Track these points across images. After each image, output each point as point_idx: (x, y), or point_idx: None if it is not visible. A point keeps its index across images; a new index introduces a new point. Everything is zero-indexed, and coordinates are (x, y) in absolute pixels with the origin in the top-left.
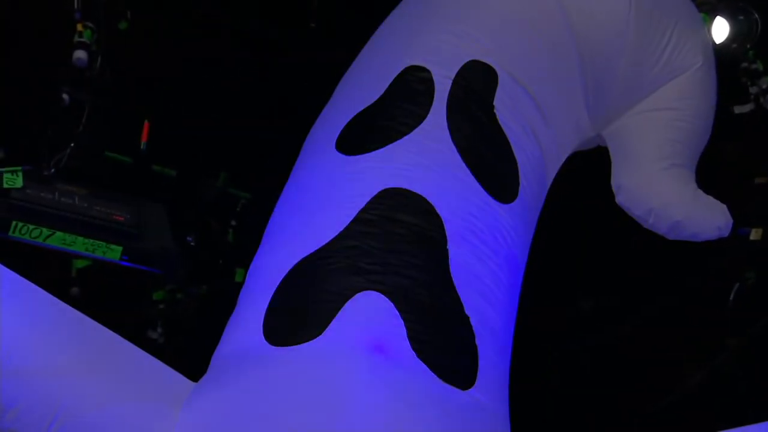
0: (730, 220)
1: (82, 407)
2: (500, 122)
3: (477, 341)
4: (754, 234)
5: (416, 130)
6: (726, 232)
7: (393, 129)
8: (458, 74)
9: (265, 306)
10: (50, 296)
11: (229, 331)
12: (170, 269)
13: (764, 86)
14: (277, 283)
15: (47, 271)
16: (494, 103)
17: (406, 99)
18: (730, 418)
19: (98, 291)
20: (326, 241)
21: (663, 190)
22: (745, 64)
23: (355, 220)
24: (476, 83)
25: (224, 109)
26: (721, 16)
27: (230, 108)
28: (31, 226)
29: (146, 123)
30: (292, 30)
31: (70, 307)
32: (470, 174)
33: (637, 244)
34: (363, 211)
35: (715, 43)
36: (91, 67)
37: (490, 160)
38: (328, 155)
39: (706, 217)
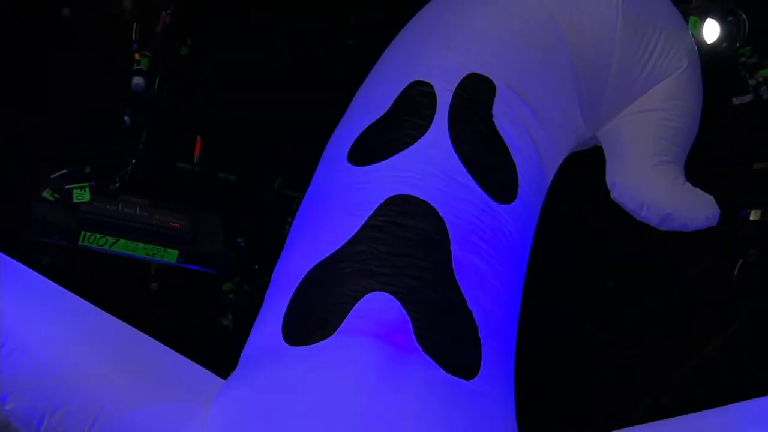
0: (718, 210)
1: (119, 408)
2: (499, 129)
3: (480, 334)
4: (754, 215)
5: (420, 140)
6: (714, 222)
7: (399, 140)
8: (458, 87)
9: (284, 308)
10: (87, 304)
11: (254, 331)
12: (221, 268)
13: (760, 78)
14: (296, 287)
15: (129, 270)
16: (493, 112)
17: (411, 112)
18: (746, 382)
19: (175, 285)
20: (339, 247)
21: (654, 185)
22: (743, 59)
23: (365, 227)
24: (475, 94)
25: (275, 122)
26: (711, 18)
27: (280, 120)
28: (98, 235)
29: (198, 139)
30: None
31: (106, 313)
32: (471, 178)
33: (642, 232)
34: (372, 217)
35: (707, 43)
36: (148, 91)
37: (489, 165)
38: (341, 167)
39: (694, 209)
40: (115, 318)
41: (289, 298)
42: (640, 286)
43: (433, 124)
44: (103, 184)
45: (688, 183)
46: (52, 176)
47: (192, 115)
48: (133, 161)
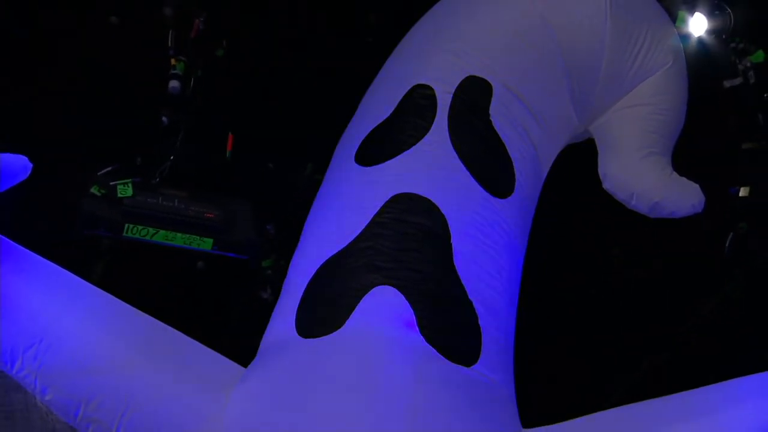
0: (703, 198)
1: (147, 397)
2: (495, 128)
3: (480, 322)
4: (743, 191)
5: (422, 141)
6: (700, 209)
7: (402, 141)
8: (457, 89)
9: (298, 302)
10: (113, 298)
11: (271, 322)
12: (252, 254)
13: (748, 63)
14: (307, 281)
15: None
16: (490, 111)
17: (413, 114)
18: (741, 341)
19: (220, 263)
20: (347, 243)
21: (642, 176)
22: (733, 44)
23: (371, 224)
24: (473, 96)
25: (303, 113)
26: (699, 12)
27: (308, 111)
28: (140, 227)
29: (230, 135)
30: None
31: (132, 307)
32: (469, 175)
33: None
34: (377, 215)
35: (694, 36)
36: (184, 93)
37: (487, 162)
38: (349, 167)
39: (681, 197)
40: (140, 311)
41: (302, 292)
42: (636, 257)
43: (433, 125)
44: (145, 180)
45: (675, 173)
46: (99, 173)
47: (225, 113)
48: (171, 158)
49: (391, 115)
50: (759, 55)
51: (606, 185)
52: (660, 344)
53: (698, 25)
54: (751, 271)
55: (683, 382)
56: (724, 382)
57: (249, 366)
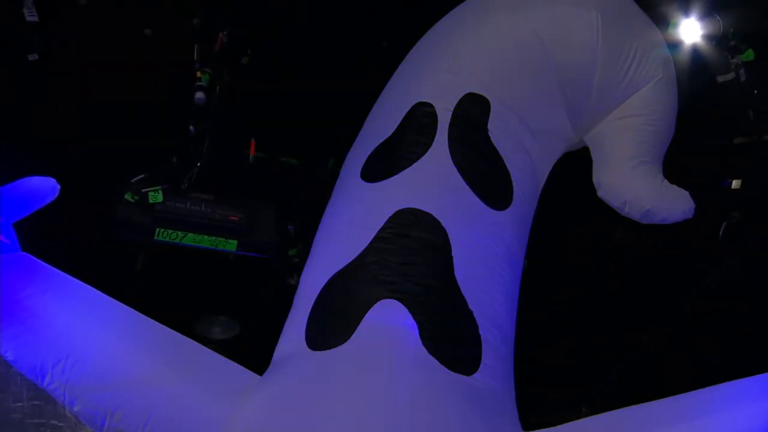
0: (693, 205)
1: (166, 407)
2: (494, 142)
3: (480, 331)
4: (735, 184)
5: (423, 157)
6: (690, 215)
7: (404, 158)
8: (457, 106)
9: (307, 315)
10: (134, 312)
11: (284, 333)
12: (273, 254)
13: (739, 61)
14: (316, 295)
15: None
16: (488, 127)
17: (415, 131)
18: (741, 310)
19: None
20: (353, 258)
21: (634, 185)
22: (726, 41)
23: (376, 239)
24: (472, 112)
25: (323, 112)
26: (690, 19)
27: (328, 110)
28: (170, 231)
29: (253, 141)
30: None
31: (151, 320)
32: (469, 189)
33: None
34: (382, 230)
35: (686, 42)
36: (209, 104)
37: (486, 176)
38: (355, 183)
39: (671, 204)
40: (160, 323)
41: (311, 306)
42: (633, 257)
43: (434, 141)
44: (174, 185)
45: (665, 180)
46: (132, 180)
47: (248, 118)
48: (198, 164)
49: (394, 132)
50: (749, 54)
51: (600, 193)
52: (658, 345)
53: (691, 30)
54: (745, 253)
55: (683, 381)
56: (720, 385)
57: (263, 375)
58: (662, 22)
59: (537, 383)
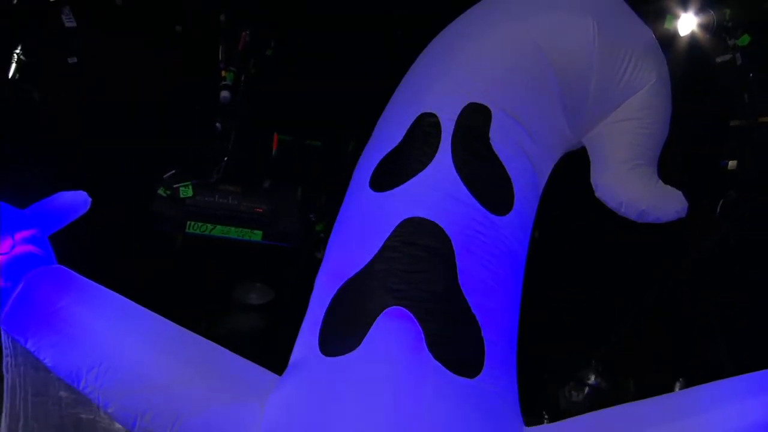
0: (686, 204)
1: (192, 409)
2: (495, 150)
3: (483, 334)
4: (731, 165)
5: (428, 167)
6: (683, 214)
7: (410, 168)
8: (459, 116)
9: (321, 321)
10: (160, 318)
11: (300, 335)
12: (296, 243)
13: (736, 44)
14: (329, 301)
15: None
16: (489, 135)
17: (420, 141)
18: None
19: None
20: (363, 266)
21: (630, 186)
22: (723, 23)
23: (384, 248)
24: (474, 121)
25: (344, 98)
26: (685, 14)
27: (348, 96)
28: (200, 223)
29: (276, 135)
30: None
31: (176, 325)
32: (471, 197)
33: None
34: (389, 239)
35: (681, 36)
36: (234, 101)
37: (487, 182)
38: (364, 192)
39: (665, 204)
40: (184, 328)
41: (324, 312)
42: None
43: (438, 151)
44: (203, 180)
45: (660, 181)
46: (165, 176)
47: (272, 109)
48: (225, 158)
49: (400, 142)
50: (744, 39)
51: (597, 194)
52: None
53: (685, 25)
54: (740, 228)
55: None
56: (710, 383)
57: (282, 376)
58: (660, 15)
59: (536, 383)
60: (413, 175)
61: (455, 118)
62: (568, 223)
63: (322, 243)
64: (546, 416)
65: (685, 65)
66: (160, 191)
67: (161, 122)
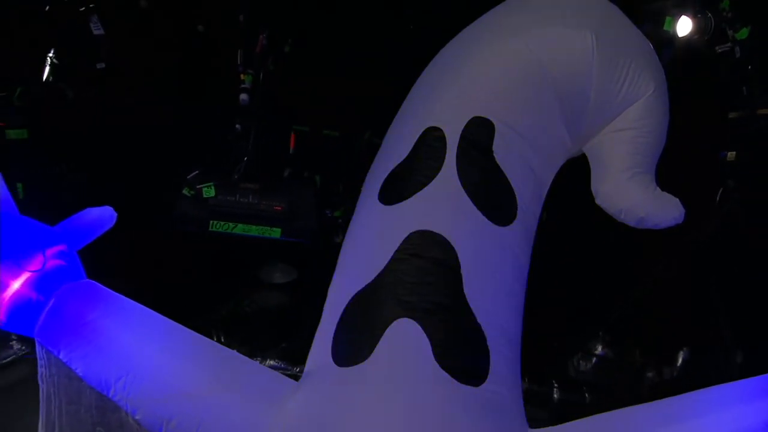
0: (683, 211)
1: (215, 416)
2: (498, 162)
3: (488, 343)
4: (730, 156)
5: (434, 180)
6: (680, 220)
7: (417, 181)
8: (464, 130)
9: (333, 331)
10: (181, 327)
11: (314, 344)
12: (314, 240)
13: (735, 36)
14: (341, 312)
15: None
16: (493, 148)
17: (426, 155)
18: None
19: None
20: (372, 278)
21: (629, 195)
22: (724, 13)
23: (393, 260)
24: (478, 135)
25: (360, 90)
26: (685, 15)
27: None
28: (222, 222)
29: (293, 134)
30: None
31: (196, 334)
32: (476, 209)
33: None
34: (398, 251)
35: (680, 37)
36: (252, 103)
37: (491, 194)
38: (373, 206)
39: (663, 212)
40: (203, 336)
41: (336, 323)
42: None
43: (444, 165)
44: (224, 179)
45: (658, 189)
46: (189, 177)
47: (288, 112)
48: (245, 158)
49: (407, 156)
50: (743, 32)
51: (597, 201)
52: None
53: (683, 27)
54: (738, 216)
55: (681, 380)
56: (707, 389)
57: (299, 382)
58: (659, 16)
59: (546, 354)
60: (420, 189)
61: (459, 131)
62: (569, 227)
63: (340, 228)
64: (555, 385)
65: (684, 60)
66: (185, 191)
67: (182, 125)
